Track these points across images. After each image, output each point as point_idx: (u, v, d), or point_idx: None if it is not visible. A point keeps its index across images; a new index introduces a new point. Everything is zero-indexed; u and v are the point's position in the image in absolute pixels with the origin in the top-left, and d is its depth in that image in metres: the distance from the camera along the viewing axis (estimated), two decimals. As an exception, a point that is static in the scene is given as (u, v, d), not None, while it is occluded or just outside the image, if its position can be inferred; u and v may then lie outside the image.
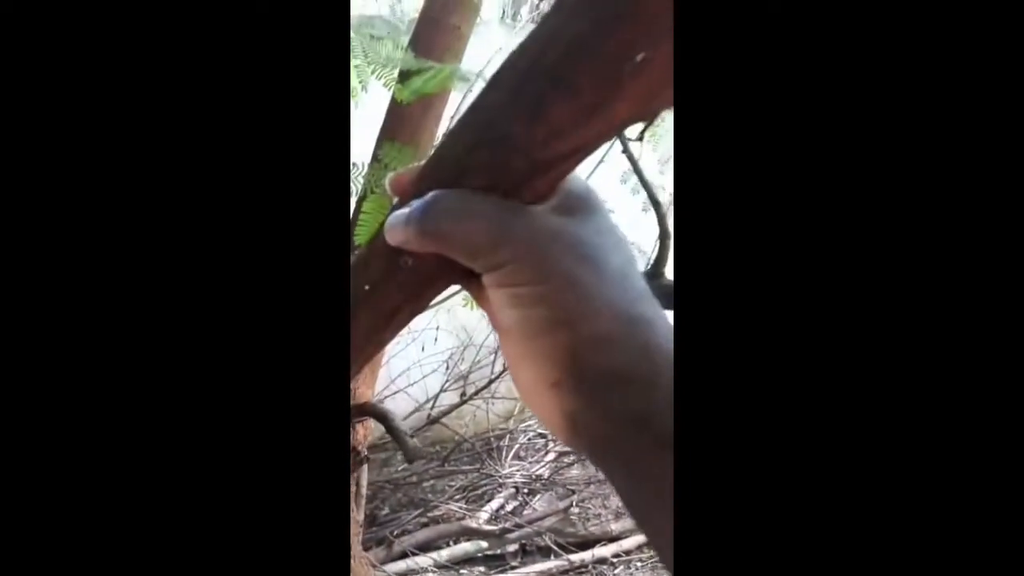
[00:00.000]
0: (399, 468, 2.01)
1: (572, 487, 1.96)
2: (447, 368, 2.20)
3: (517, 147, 0.20)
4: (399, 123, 0.87)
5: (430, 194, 0.22)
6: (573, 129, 0.20)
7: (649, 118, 0.20)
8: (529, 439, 2.21)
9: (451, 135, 0.23)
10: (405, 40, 0.93)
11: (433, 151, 0.24)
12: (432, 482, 2.03)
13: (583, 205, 0.22)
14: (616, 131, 0.21)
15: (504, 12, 2.65)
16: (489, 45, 1.01)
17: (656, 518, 0.21)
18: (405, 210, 0.22)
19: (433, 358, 2.14)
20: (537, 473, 2.02)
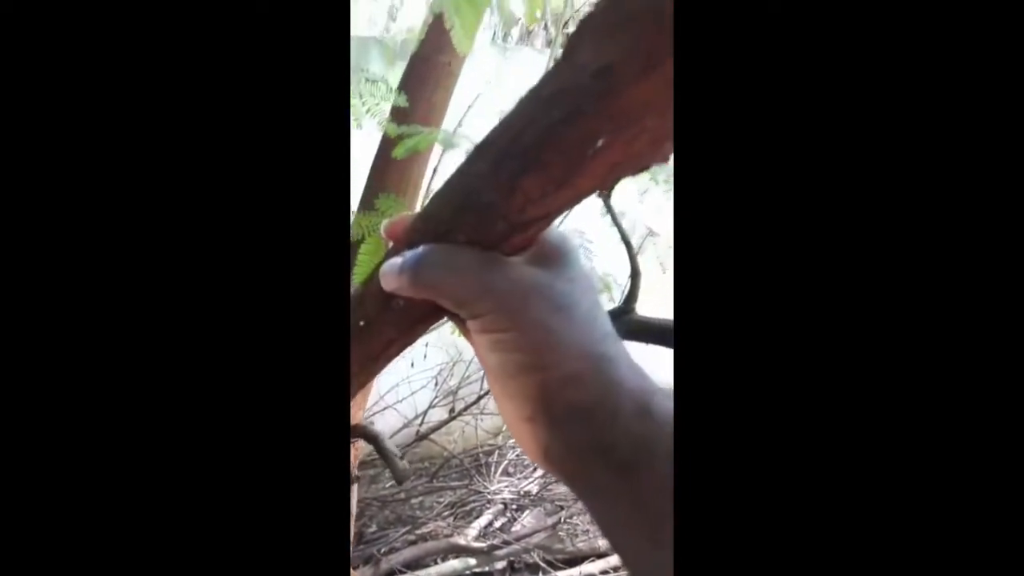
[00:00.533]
0: (387, 485, 2.00)
1: (560, 503, 1.97)
2: (436, 384, 2.20)
3: (497, 211, 0.23)
4: (389, 167, 0.91)
5: (421, 248, 0.24)
6: (545, 198, 0.22)
7: (609, 187, 0.23)
8: (517, 455, 2.21)
9: (440, 195, 0.26)
10: (399, 64, 0.97)
11: (423, 207, 0.27)
12: (420, 499, 2.02)
13: (557, 256, 0.25)
14: (582, 199, 0.24)
15: (495, 34, 2.70)
16: (481, 69, 1.05)
17: (623, 540, 0.23)
18: (398, 260, 0.25)
19: (422, 374, 2.15)
20: (525, 489, 2.02)
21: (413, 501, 2.01)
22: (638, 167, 0.22)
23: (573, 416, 0.23)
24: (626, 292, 0.53)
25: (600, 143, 0.20)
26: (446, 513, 1.94)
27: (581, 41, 0.20)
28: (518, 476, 2.12)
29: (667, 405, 0.22)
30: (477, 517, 1.91)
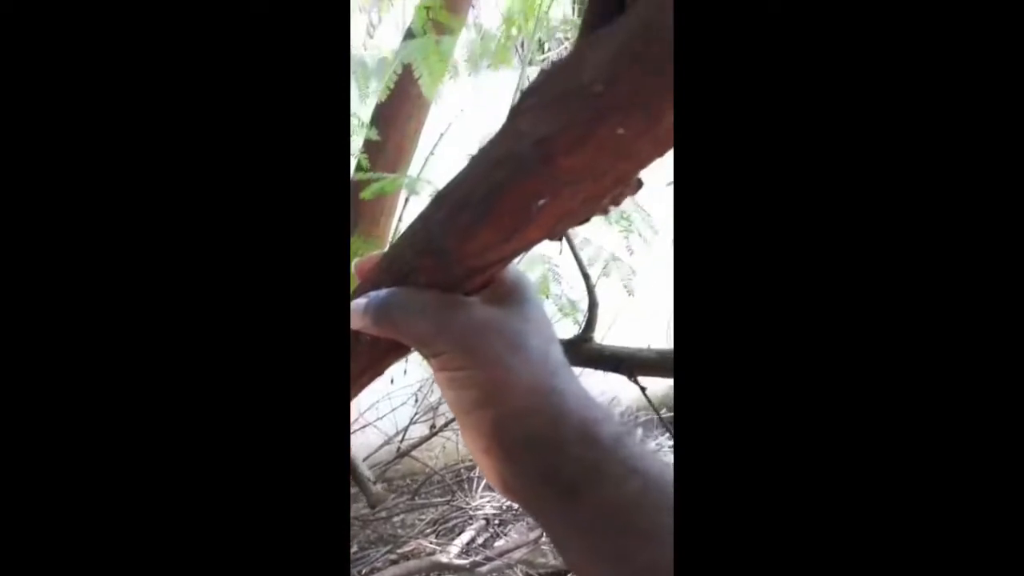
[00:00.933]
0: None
1: (542, 517, 1.96)
2: (416, 400, 2.19)
3: (455, 256, 0.25)
4: (360, 200, 0.94)
5: (384, 291, 0.26)
6: (498, 246, 0.24)
7: (558, 236, 0.25)
8: (500, 469, 2.20)
9: (403, 240, 0.27)
10: (375, 84, 0.99)
11: (389, 248, 0.29)
12: (402, 517, 2.00)
13: (512, 295, 0.27)
14: (533, 245, 0.26)
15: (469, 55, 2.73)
16: (454, 94, 1.07)
17: (575, 560, 0.24)
18: (363, 301, 0.26)
19: (403, 390, 2.14)
20: (507, 504, 2.02)
21: (395, 519, 1.99)
22: (580, 220, 0.24)
23: (525, 447, 0.24)
24: (584, 322, 0.56)
25: (542, 202, 0.22)
26: (428, 531, 1.92)
27: (523, 112, 0.22)
28: (500, 491, 2.12)
29: (613, 431, 0.24)
30: (459, 534, 1.90)
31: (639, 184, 0.24)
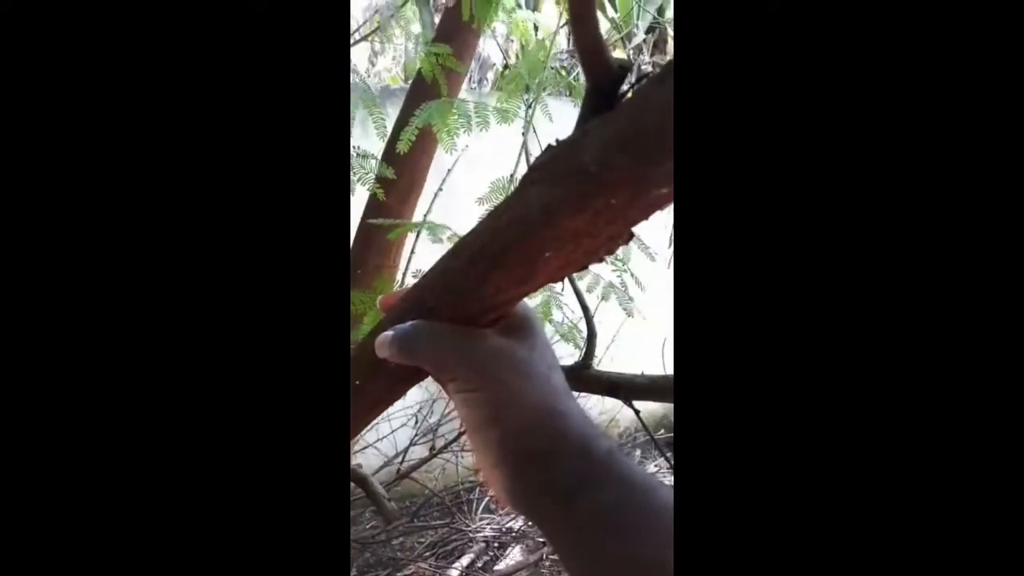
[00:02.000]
0: (367, 527, 1.98)
1: (542, 539, 1.97)
2: (416, 422, 2.21)
3: (472, 297, 0.29)
4: (374, 230, 0.99)
5: (408, 324, 0.30)
6: (509, 290, 0.28)
7: (560, 280, 0.29)
8: (499, 491, 2.20)
9: (424, 281, 0.32)
10: (379, 110, 1.04)
11: (413, 287, 0.33)
12: (401, 539, 2.00)
13: (522, 327, 0.31)
14: (540, 288, 0.30)
15: (471, 79, 2.81)
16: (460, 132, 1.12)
17: (569, 563, 0.27)
18: (389, 333, 0.30)
19: (402, 412, 2.16)
20: (507, 526, 2.02)
21: (394, 542, 1.99)
22: (580, 268, 0.28)
23: (529, 462, 0.28)
24: (584, 350, 0.60)
25: (548, 255, 0.26)
26: (427, 553, 1.92)
27: (531, 183, 0.26)
28: (500, 513, 2.12)
29: (605, 446, 0.28)
30: (459, 556, 1.90)
31: (631, 236, 0.28)
